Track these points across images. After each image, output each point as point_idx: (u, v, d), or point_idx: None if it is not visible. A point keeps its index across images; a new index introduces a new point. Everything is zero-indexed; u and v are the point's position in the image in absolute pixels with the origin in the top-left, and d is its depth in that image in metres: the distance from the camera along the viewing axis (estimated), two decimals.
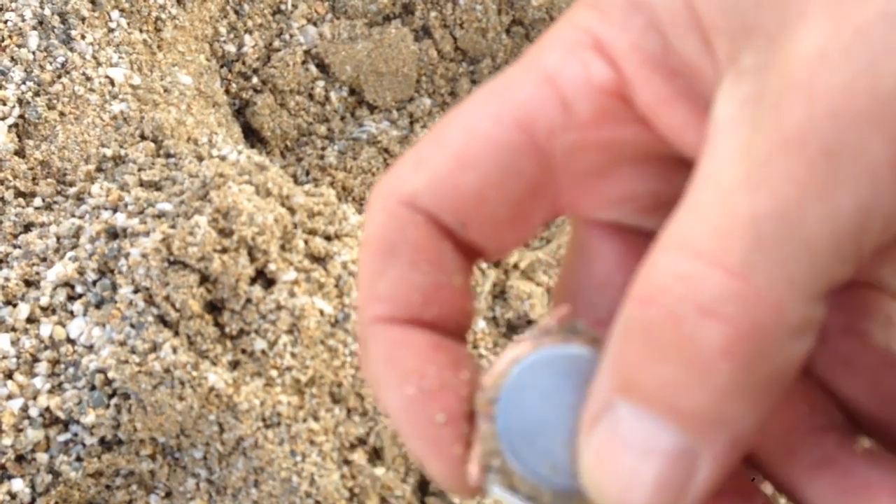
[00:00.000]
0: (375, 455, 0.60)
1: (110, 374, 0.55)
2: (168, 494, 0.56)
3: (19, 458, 0.54)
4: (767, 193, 0.15)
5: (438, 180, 0.20)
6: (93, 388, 0.55)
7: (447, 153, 0.20)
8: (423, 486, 0.62)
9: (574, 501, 0.20)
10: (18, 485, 0.54)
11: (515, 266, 0.78)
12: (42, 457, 0.54)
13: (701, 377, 0.16)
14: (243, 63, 0.88)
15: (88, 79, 0.74)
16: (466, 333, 0.21)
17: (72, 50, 0.75)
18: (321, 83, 0.89)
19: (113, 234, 0.62)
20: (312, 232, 0.68)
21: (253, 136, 0.88)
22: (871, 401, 0.20)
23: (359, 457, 0.58)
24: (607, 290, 0.21)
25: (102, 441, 0.55)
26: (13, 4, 0.74)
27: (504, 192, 0.20)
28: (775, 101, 0.15)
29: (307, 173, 0.87)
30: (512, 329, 0.73)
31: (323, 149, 0.89)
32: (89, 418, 0.54)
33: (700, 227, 0.16)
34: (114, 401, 0.55)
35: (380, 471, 0.57)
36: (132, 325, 0.57)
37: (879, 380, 0.20)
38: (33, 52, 0.74)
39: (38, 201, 0.67)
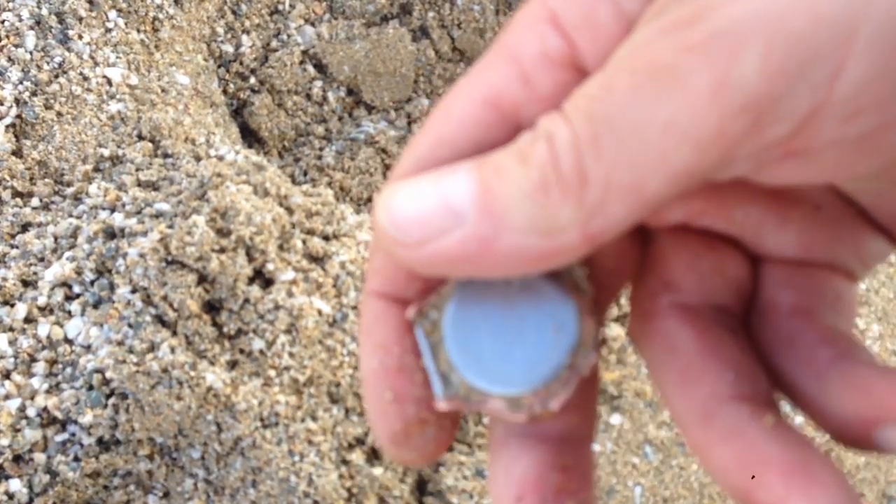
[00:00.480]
0: (373, 455, 0.60)
1: (108, 374, 0.55)
2: (166, 494, 0.56)
3: (17, 459, 0.54)
4: (609, 94, 0.18)
5: (419, 159, 0.21)
6: (90, 387, 0.55)
7: (427, 135, 0.21)
8: (422, 486, 0.62)
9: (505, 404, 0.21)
10: (16, 485, 0.53)
11: None
12: (40, 457, 0.54)
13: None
14: (241, 63, 0.87)
15: (86, 79, 0.74)
16: None
17: (69, 50, 0.75)
18: (319, 83, 0.89)
19: (111, 233, 0.62)
20: (310, 232, 0.68)
21: (250, 137, 0.88)
22: (804, 376, 0.21)
23: (357, 457, 0.58)
24: None
25: (100, 441, 0.55)
26: (10, 4, 0.74)
27: None
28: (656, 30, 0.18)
29: (305, 173, 0.87)
30: None
31: (321, 149, 0.89)
32: (87, 418, 0.54)
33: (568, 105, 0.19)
34: (111, 401, 0.55)
35: (378, 470, 0.57)
36: (130, 325, 0.57)
37: (815, 356, 0.21)
38: (30, 52, 0.74)
39: (35, 201, 0.67)
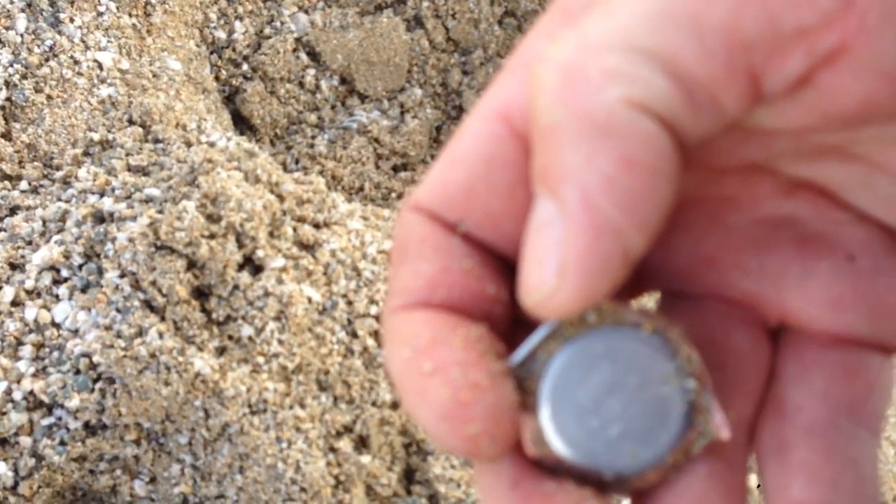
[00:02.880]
0: (361, 443, 0.60)
1: (95, 359, 0.55)
2: (152, 480, 0.56)
3: (2, 442, 0.54)
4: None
5: (433, 181, 0.20)
6: (77, 372, 0.55)
7: (443, 156, 0.20)
8: (409, 475, 0.62)
9: (621, 485, 0.20)
10: (1, 468, 0.53)
11: None
12: (25, 440, 0.54)
13: (541, 139, 0.18)
14: (233, 50, 0.87)
15: (76, 62, 0.74)
16: (494, 320, 0.21)
17: (60, 33, 0.74)
18: (312, 71, 0.89)
19: (99, 218, 0.62)
20: (301, 219, 0.67)
21: (242, 124, 0.87)
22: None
23: (345, 444, 0.58)
24: None
25: (87, 425, 0.55)
26: None
27: (491, 182, 0.20)
28: None
29: (297, 162, 0.87)
30: None
31: (313, 137, 0.88)
32: (74, 402, 0.54)
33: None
34: (98, 385, 0.55)
35: (366, 458, 0.57)
36: (118, 310, 0.57)
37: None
38: (21, 35, 0.73)
39: (24, 184, 0.67)
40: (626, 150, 0.17)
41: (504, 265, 0.21)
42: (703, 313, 0.22)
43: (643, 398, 0.20)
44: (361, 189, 0.87)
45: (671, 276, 0.22)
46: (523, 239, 0.19)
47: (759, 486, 0.21)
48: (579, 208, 0.17)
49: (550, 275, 0.18)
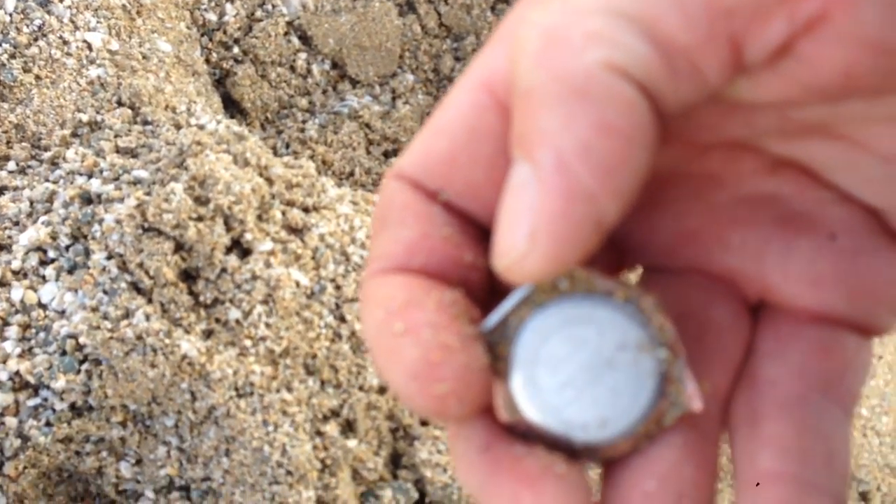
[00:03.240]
0: (348, 427, 0.60)
1: (82, 340, 0.54)
2: (138, 461, 0.56)
3: None
4: None
5: (416, 150, 0.21)
6: (64, 353, 0.55)
7: (427, 125, 0.21)
8: (396, 459, 0.62)
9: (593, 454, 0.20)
10: None
11: None
12: (11, 421, 0.54)
13: (520, 102, 0.18)
14: (224, 32, 0.87)
15: (65, 42, 0.73)
16: (471, 287, 0.21)
17: (49, 13, 0.74)
18: (303, 55, 0.89)
19: (87, 199, 0.61)
20: (290, 203, 0.67)
21: (233, 107, 0.87)
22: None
23: (331, 428, 0.58)
24: None
25: (73, 407, 0.55)
26: None
27: (473, 152, 0.20)
28: None
29: (287, 146, 0.86)
30: None
31: (304, 122, 0.88)
32: (60, 383, 0.54)
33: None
34: (85, 366, 0.55)
35: (352, 443, 0.57)
36: (105, 292, 0.57)
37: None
38: (10, 14, 0.73)
39: (11, 165, 0.66)
40: (603, 115, 0.17)
41: (483, 234, 0.21)
42: (683, 287, 0.22)
43: (615, 367, 0.20)
44: (352, 174, 0.87)
45: (653, 251, 0.22)
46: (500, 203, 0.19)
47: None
48: (553, 172, 0.17)
49: (521, 238, 0.17)
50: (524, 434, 0.20)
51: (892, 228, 0.21)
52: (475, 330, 0.19)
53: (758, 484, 0.20)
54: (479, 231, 0.21)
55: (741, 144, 0.21)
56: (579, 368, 0.20)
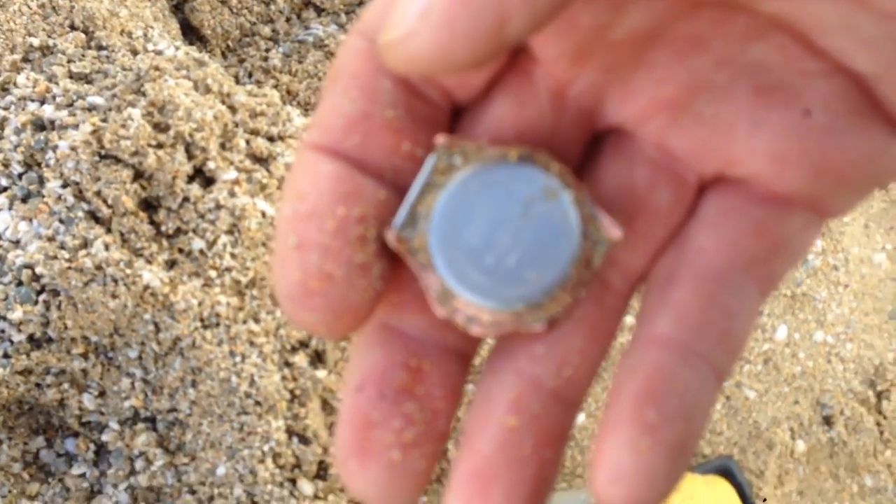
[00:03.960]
0: (317, 358, 0.60)
1: (38, 270, 0.53)
2: (102, 393, 0.55)
3: None
4: None
5: (382, 3, 0.19)
6: (20, 283, 0.53)
7: None
8: None
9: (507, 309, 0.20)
10: None
11: None
12: None
13: None
14: None
15: None
16: (404, 178, 0.20)
17: None
18: None
19: (40, 126, 0.59)
20: (254, 132, 0.65)
21: (192, 34, 0.84)
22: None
23: (300, 359, 0.58)
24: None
25: (31, 338, 0.53)
26: None
27: None
28: None
29: (250, 75, 0.84)
30: None
31: (267, 50, 0.85)
32: (16, 314, 0.52)
33: None
34: (42, 297, 0.53)
35: (321, 373, 0.57)
36: (61, 221, 0.55)
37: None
38: None
39: None
40: None
41: (432, 121, 0.20)
42: (633, 165, 0.21)
43: (529, 222, 0.20)
44: (317, 104, 0.84)
45: (625, 116, 0.21)
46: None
47: None
48: None
49: (413, 14, 0.16)
50: (465, 322, 0.20)
51: (878, 100, 0.20)
52: (368, 256, 0.19)
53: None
54: (431, 114, 0.20)
55: (733, 3, 0.20)
56: (497, 235, 0.20)
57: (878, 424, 0.59)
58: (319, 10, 0.88)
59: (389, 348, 0.20)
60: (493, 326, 0.20)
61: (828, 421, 0.61)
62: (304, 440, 0.55)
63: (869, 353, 0.61)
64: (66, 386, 0.54)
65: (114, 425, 0.55)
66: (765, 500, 0.57)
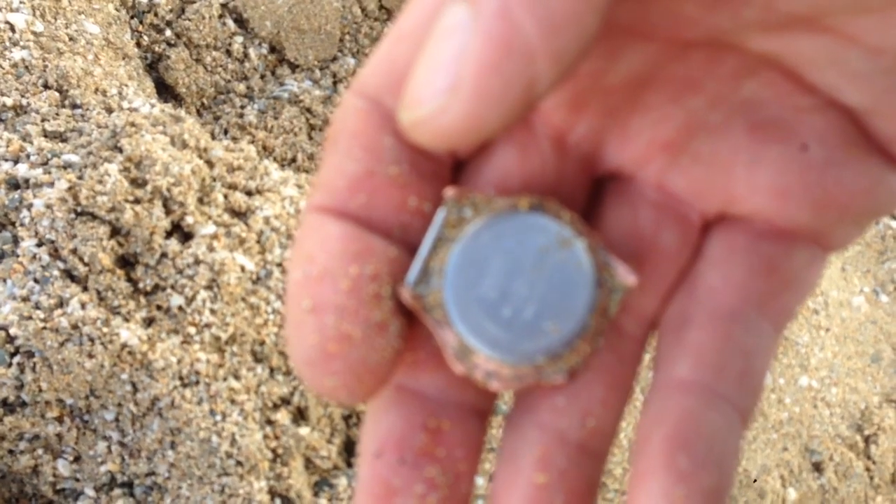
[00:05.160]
0: (300, 415, 0.58)
1: (12, 331, 0.51)
2: (77, 458, 0.53)
3: None
4: None
5: (378, 59, 0.19)
6: None
7: (390, 33, 0.19)
8: (350, 447, 0.60)
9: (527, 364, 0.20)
10: None
11: None
12: None
13: None
14: (155, 14, 0.83)
15: None
16: (412, 234, 0.20)
17: None
18: (240, 39, 0.86)
19: (14, 184, 0.58)
20: (232, 186, 0.65)
21: (167, 93, 0.84)
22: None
23: (282, 416, 0.56)
24: None
25: (4, 402, 0.51)
26: None
27: None
28: None
29: (226, 132, 0.84)
30: None
31: (242, 107, 0.85)
32: None
33: None
34: (17, 359, 0.51)
35: (304, 430, 0.55)
36: (36, 280, 0.53)
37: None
38: None
39: None
40: None
41: (436, 174, 0.20)
42: (636, 207, 0.21)
43: (544, 272, 0.20)
44: (294, 160, 0.84)
45: (623, 160, 0.21)
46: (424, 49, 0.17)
47: None
48: (494, 17, 0.16)
49: (441, 88, 0.16)
50: (485, 379, 0.19)
51: (871, 132, 0.20)
52: (386, 314, 0.19)
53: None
54: (435, 168, 0.20)
55: (723, 43, 0.20)
56: (512, 286, 0.19)
57: (868, 469, 0.59)
58: (293, 67, 0.88)
59: (407, 410, 0.19)
60: (514, 381, 0.19)
61: (818, 467, 0.60)
62: (288, 501, 0.54)
63: (854, 397, 0.61)
64: (39, 452, 0.52)
65: (90, 492, 0.53)
66: None
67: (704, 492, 0.18)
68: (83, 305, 0.53)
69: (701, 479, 0.18)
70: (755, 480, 0.58)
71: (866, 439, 0.60)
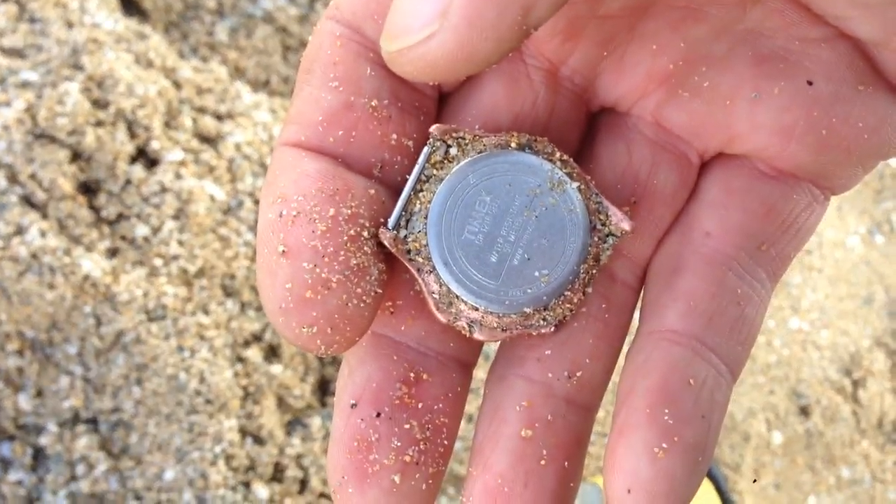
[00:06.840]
0: (272, 352, 0.56)
1: None
2: (39, 393, 0.51)
3: None
4: None
5: None
6: None
7: None
8: (324, 386, 0.58)
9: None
10: None
11: None
12: None
13: None
14: None
15: None
16: (392, 173, 0.19)
17: None
18: None
19: None
20: (201, 110, 0.61)
21: (132, 8, 0.79)
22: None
23: (253, 354, 0.54)
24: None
25: None
26: None
27: None
28: None
29: (194, 51, 0.79)
30: None
31: (212, 25, 0.81)
32: None
33: None
34: None
35: (276, 368, 0.53)
36: None
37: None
38: None
39: None
40: None
41: (420, 108, 0.19)
42: (632, 146, 0.20)
43: (534, 216, 0.18)
44: (267, 83, 0.80)
45: (622, 92, 0.20)
46: None
47: None
48: None
49: (430, 14, 0.15)
50: (469, 326, 0.19)
51: (880, 67, 0.19)
52: (366, 257, 0.18)
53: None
54: (419, 102, 0.19)
55: None
56: (501, 229, 0.18)
57: (855, 413, 0.58)
58: None
59: (385, 360, 0.18)
60: (499, 330, 0.18)
61: (804, 411, 0.59)
62: (259, 440, 0.52)
63: (844, 340, 0.60)
64: (0, 385, 0.50)
65: (52, 427, 0.51)
66: (755, 480, 0.56)
67: (688, 447, 0.17)
68: (43, 234, 0.50)
69: (685, 434, 0.17)
70: (755, 481, 0.58)
71: (854, 383, 0.59)
